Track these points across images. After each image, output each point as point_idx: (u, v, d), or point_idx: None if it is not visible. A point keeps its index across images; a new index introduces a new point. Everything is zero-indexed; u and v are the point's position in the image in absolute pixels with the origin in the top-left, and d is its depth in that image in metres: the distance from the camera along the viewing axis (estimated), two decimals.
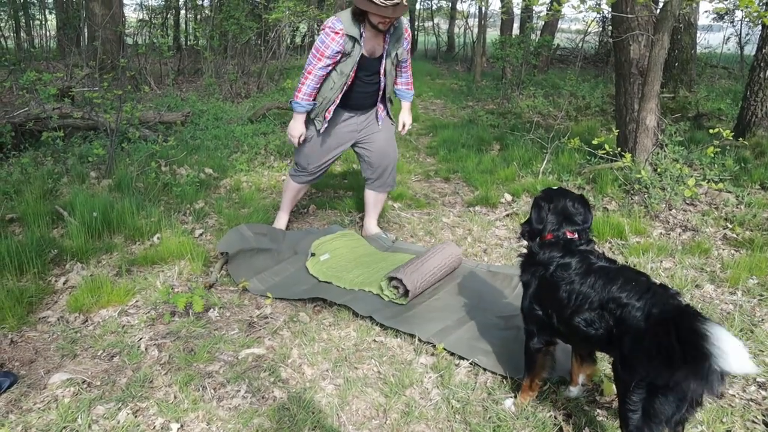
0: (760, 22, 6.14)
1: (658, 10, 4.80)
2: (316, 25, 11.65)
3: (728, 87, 10.10)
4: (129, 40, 12.03)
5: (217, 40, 10.16)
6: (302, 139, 4.15)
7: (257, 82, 10.49)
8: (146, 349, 3.01)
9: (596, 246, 2.48)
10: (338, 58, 3.83)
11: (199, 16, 18.12)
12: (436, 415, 2.55)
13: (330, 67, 3.88)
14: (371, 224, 4.57)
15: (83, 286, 3.45)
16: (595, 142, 5.16)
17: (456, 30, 23.05)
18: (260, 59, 11.12)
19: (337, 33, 3.76)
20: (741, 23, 12.79)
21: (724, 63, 13.22)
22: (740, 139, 5.59)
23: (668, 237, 4.35)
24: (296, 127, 4.10)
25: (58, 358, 2.94)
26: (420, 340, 3.05)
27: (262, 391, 2.69)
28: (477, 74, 14.47)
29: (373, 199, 4.51)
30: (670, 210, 4.71)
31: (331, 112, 4.06)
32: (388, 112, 4.28)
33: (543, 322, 2.42)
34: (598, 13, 12.31)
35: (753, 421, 2.49)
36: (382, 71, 4.02)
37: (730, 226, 4.39)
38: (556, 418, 2.50)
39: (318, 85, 3.94)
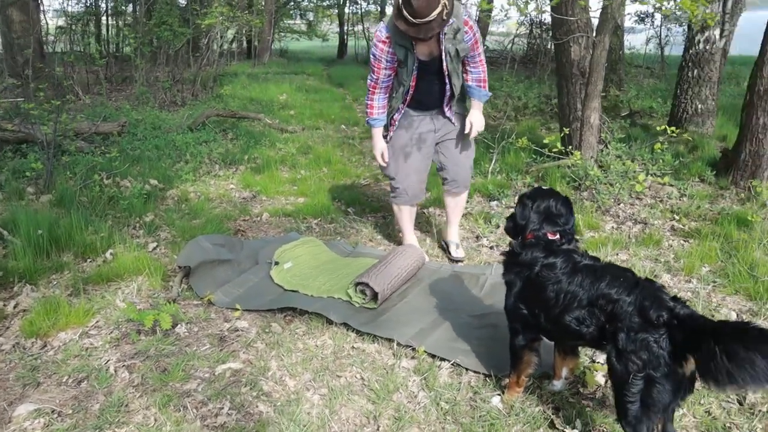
0: (686, 23, 6.50)
1: (599, 12, 4.99)
2: (245, 31, 11.45)
3: (654, 85, 10.65)
4: (48, 48, 11.40)
5: (147, 47, 9.81)
6: (385, 156, 4.01)
7: (191, 89, 10.20)
8: (115, 371, 2.86)
9: (579, 245, 2.54)
10: (396, 64, 3.71)
11: (121, 23, 17.50)
12: (427, 418, 2.54)
13: (392, 76, 3.79)
14: (452, 231, 4.35)
15: (37, 309, 3.24)
16: (546, 140, 5.31)
17: None
18: (192, 66, 10.82)
19: (384, 42, 3.62)
20: (661, 26, 13.54)
21: (647, 63, 13.91)
22: (683, 134, 5.86)
23: (620, 230, 4.53)
24: (376, 145, 4.02)
25: (20, 388, 2.75)
26: (399, 344, 3.04)
27: (246, 407, 2.61)
28: None
29: (452, 204, 4.28)
30: (619, 204, 4.90)
31: (397, 120, 3.93)
32: (457, 111, 3.97)
33: (528, 320, 2.46)
34: (524, 15, 12.69)
35: (728, 401, 2.63)
36: (444, 72, 3.73)
37: (676, 217, 4.62)
38: (545, 412, 2.55)
39: (387, 95, 3.88)
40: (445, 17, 3.36)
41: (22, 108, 5.11)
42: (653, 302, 2.03)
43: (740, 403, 2.63)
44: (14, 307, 3.44)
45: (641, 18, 13.75)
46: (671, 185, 5.10)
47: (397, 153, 4.02)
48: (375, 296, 3.45)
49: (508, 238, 3.04)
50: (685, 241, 4.31)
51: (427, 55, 3.67)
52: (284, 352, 3.00)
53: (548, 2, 4.96)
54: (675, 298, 2.06)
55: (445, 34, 3.55)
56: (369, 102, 3.90)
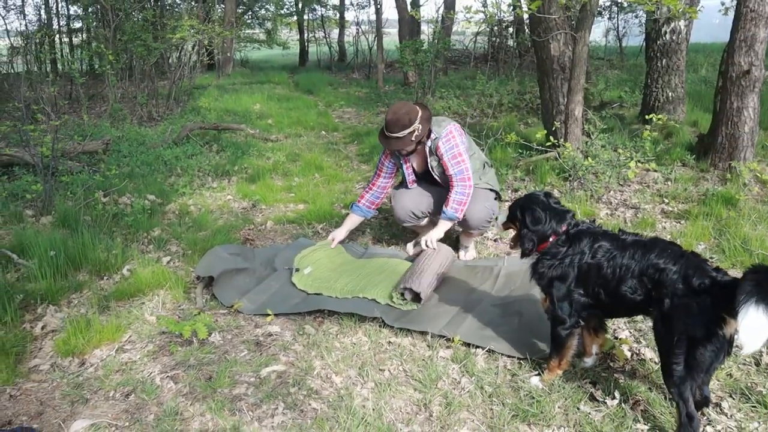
0: (645, 16, 6.80)
1: (579, 9, 5.22)
2: (206, 43, 11.33)
3: (618, 76, 11.03)
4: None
5: (118, 63, 9.69)
6: (335, 243, 4.30)
7: (166, 104, 10.14)
8: (161, 382, 2.93)
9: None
10: (395, 170, 4.28)
11: (76, 40, 17.16)
12: (474, 402, 2.68)
13: (391, 180, 4.32)
14: (463, 239, 4.41)
15: (70, 328, 3.27)
16: (539, 135, 5.52)
17: (348, 39, 23.32)
18: (156, 80, 10.73)
19: (387, 155, 4.23)
20: (617, 18, 14.02)
21: (607, 55, 14.39)
22: (669, 122, 6.12)
23: (615, 216, 4.76)
24: (340, 228, 4.37)
25: (68, 406, 2.79)
26: (433, 335, 3.18)
27: (299, 406, 2.70)
28: (380, 80, 14.79)
29: (465, 235, 4.36)
30: (609, 192, 5.14)
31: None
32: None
33: (584, 304, 2.61)
34: (489, 19, 12.92)
35: (745, 363, 2.85)
36: (437, 180, 4.19)
37: (665, 200, 4.87)
38: (582, 386, 2.72)
39: (382, 195, 4.36)
40: (414, 139, 3.91)
41: (20, 129, 5.00)
42: (696, 271, 2.23)
43: (757, 364, 2.85)
44: (42, 329, 3.45)
45: (599, 11, 14.20)
46: (656, 171, 5.37)
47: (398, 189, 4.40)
48: (417, 297, 3.57)
49: (510, 232, 3.31)
50: (677, 222, 4.56)
51: (419, 166, 4.19)
52: (324, 352, 3.11)
53: (527, 6, 5.14)
54: (717, 269, 2.26)
55: (429, 148, 4.05)
56: (364, 192, 4.40)
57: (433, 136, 4.01)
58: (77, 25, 18.33)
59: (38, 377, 3.01)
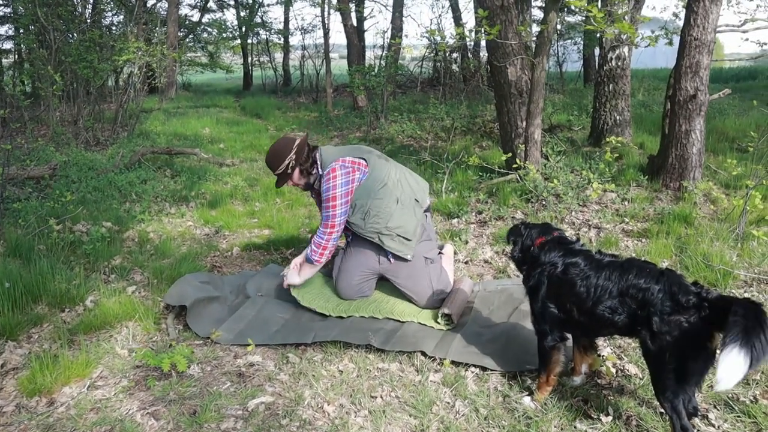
0: (599, 44, 7.10)
1: (537, 35, 5.39)
2: (147, 66, 11.05)
3: (562, 101, 11.44)
4: None
5: (60, 85, 9.33)
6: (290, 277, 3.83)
7: (112, 127, 9.82)
8: (141, 419, 2.78)
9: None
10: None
11: (6, 61, 16.49)
12: (471, 425, 2.67)
13: None
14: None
15: (35, 365, 3.08)
16: (503, 158, 5.63)
17: (293, 63, 23.27)
18: (105, 103, 10.42)
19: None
20: (557, 45, 14.59)
21: (548, 81, 14.92)
22: (626, 145, 6.38)
23: (579, 236, 4.89)
24: (298, 257, 3.91)
25: None
26: (424, 355, 3.18)
27: None
28: (329, 104, 14.82)
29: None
30: (571, 212, 5.28)
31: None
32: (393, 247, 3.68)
33: (559, 319, 2.66)
34: (440, 44, 13.20)
35: None
36: None
37: (625, 220, 5.04)
38: (574, 405, 2.75)
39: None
40: (290, 170, 3.71)
41: None
42: (680, 288, 2.30)
43: None
44: (2, 366, 3.23)
45: None
46: (612, 191, 5.56)
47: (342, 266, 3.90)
48: (450, 319, 3.56)
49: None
50: (638, 240, 4.73)
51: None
52: (312, 381, 3.03)
53: (484, 33, 5.28)
54: (695, 284, 2.34)
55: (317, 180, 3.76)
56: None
57: (317, 172, 3.73)
58: (7, 46, 17.70)
59: (3, 420, 2.81)
